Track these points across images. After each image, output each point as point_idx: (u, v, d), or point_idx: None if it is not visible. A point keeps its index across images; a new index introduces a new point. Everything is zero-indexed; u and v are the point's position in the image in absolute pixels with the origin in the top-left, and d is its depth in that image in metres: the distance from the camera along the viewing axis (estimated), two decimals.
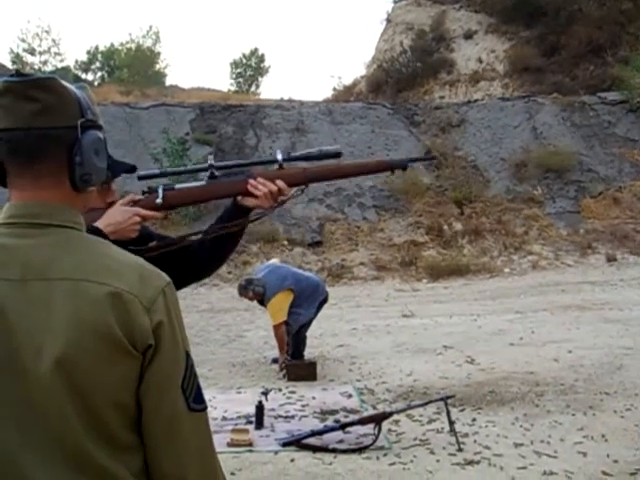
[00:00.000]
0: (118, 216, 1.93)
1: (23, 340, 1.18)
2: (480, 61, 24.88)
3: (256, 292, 7.07)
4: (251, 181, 2.00)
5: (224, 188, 2.04)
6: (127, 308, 1.20)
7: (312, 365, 7.07)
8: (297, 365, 7.05)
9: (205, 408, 1.30)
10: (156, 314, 1.22)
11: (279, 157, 2.03)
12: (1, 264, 1.22)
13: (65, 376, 1.17)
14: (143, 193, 2.03)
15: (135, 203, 2.00)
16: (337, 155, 2.08)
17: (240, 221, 2.06)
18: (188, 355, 1.29)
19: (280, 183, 2.00)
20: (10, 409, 1.18)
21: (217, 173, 2.05)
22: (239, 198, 2.04)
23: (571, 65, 22.92)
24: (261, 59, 41.31)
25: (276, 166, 2.05)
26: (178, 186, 2.06)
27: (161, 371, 1.23)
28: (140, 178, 2.09)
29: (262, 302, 7.34)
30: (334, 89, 29.79)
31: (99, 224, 1.91)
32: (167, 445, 1.24)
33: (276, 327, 7.11)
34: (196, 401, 1.27)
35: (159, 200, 2.01)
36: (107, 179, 1.97)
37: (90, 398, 1.19)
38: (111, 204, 1.99)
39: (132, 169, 2.02)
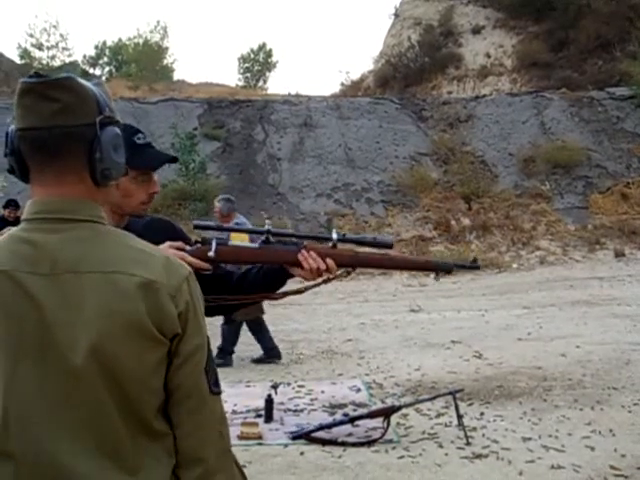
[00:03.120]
0: None
1: (58, 332, 1.22)
2: (488, 56, 24.81)
3: None
4: (303, 252, 2.03)
5: (275, 255, 2.06)
6: (156, 297, 1.25)
7: None
8: None
9: (221, 392, 1.38)
10: (181, 302, 1.28)
11: (334, 236, 2.07)
12: (32, 259, 1.25)
13: (99, 365, 1.22)
14: (196, 242, 2.04)
15: (183, 251, 1.98)
16: (390, 246, 2.12)
17: (284, 292, 2.12)
18: (209, 340, 1.36)
19: (330, 262, 2.03)
20: (46, 399, 1.22)
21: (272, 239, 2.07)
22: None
23: (579, 60, 22.85)
24: (269, 54, 41.33)
25: (330, 244, 2.08)
26: (232, 243, 2.08)
27: (188, 356, 1.29)
28: (195, 228, 2.13)
29: None
30: (342, 84, 29.74)
31: None
32: (191, 427, 1.31)
33: None
34: (215, 385, 1.35)
35: (212, 253, 2.02)
36: (149, 170, 1.94)
37: (124, 385, 1.24)
38: (153, 195, 2.00)
39: (173, 159, 2.04)
